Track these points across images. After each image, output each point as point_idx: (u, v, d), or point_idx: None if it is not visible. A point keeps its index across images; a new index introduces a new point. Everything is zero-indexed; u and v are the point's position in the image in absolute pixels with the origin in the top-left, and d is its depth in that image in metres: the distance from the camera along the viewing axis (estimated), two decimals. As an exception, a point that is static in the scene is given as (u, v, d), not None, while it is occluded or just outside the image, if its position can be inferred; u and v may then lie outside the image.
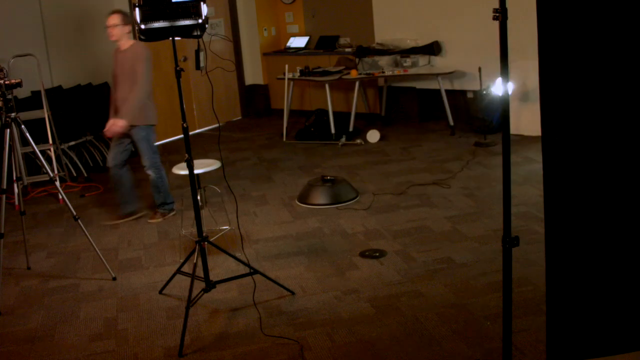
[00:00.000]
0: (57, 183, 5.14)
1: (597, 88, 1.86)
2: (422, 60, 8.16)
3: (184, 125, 3.90)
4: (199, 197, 4.78)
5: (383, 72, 7.98)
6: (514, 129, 7.54)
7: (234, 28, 9.47)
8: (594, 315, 2.11)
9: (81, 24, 7.65)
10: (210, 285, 4.03)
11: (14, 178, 4.83)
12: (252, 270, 4.18)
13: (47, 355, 3.72)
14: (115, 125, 5.30)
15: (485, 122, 7.65)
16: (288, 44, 9.57)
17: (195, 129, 9.02)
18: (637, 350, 2.48)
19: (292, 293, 4.18)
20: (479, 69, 7.37)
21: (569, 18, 1.70)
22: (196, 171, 4.75)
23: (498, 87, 7.26)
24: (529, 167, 6.29)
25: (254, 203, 5.93)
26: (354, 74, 8.02)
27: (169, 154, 8.04)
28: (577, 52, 1.77)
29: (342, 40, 9.13)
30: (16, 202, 4.97)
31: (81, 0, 7.70)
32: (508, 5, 2.18)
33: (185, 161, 3.89)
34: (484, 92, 7.35)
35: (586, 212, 1.92)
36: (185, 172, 4.79)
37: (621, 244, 1.99)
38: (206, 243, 4.03)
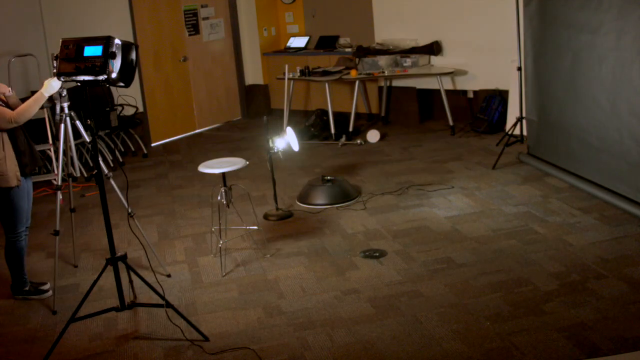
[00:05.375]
0: (71, 189, 5.00)
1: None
2: (422, 60, 8.15)
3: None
4: (222, 197, 4.76)
5: (383, 72, 7.98)
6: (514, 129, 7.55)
7: (234, 28, 9.46)
8: None
9: (81, 24, 7.64)
10: (124, 306, 3.87)
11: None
12: (165, 303, 3.86)
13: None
14: None
15: (486, 122, 7.65)
16: (288, 44, 9.57)
17: (195, 129, 9.02)
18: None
19: (206, 339, 3.81)
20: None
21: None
22: (222, 170, 4.72)
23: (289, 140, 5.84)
24: (529, 167, 6.29)
25: (254, 203, 5.92)
26: (354, 74, 8.01)
27: (169, 154, 8.04)
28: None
29: (342, 40, 9.13)
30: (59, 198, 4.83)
31: (81, 1, 7.70)
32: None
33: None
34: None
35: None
36: (211, 170, 4.77)
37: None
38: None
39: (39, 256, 5.17)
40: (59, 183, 4.43)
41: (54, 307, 4.26)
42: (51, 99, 4.36)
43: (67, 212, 4.94)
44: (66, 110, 4.39)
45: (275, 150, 5.48)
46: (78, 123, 4.49)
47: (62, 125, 4.41)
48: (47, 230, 5.70)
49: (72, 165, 4.66)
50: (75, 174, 4.70)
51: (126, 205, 4.42)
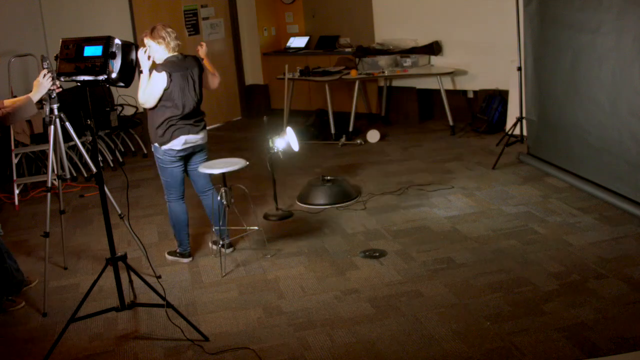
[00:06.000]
0: (60, 190, 4.99)
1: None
2: (422, 60, 8.15)
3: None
4: (222, 197, 4.74)
5: (383, 72, 7.98)
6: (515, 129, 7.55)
7: (234, 28, 9.46)
8: None
9: (81, 24, 7.65)
10: (123, 306, 3.84)
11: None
12: (166, 303, 3.82)
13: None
14: None
15: (486, 122, 7.65)
16: (288, 44, 9.57)
17: (195, 129, 9.01)
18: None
19: (206, 339, 3.80)
20: None
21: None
22: (222, 170, 4.71)
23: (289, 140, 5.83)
24: (529, 167, 6.29)
25: (254, 203, 5.92)
26: (354, 74, 8.01)
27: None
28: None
29: (342, 40, 9.13)
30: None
31: (81, 1, 7.71)
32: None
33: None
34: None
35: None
36: (211, 170, 4.75)
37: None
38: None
39: (39, 256, 5.17)
40: (49, 185, 4.42)
41: (44, 309, 4.24)
42: (40, 101, 4.33)
43: (69, 212, 4.94)
44: (56, 112, 4.36)
45: (275, 150, 5.48)
46: (68, 125, 4.45)
47: (52, 127, 4.37)
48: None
49: (62, 167, 4.63)
50: (65, 176, 4.68)
51: (116, 206, 4.43)
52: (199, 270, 4.70)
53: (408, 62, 8.07)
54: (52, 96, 4.33)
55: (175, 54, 4.55)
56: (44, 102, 4.37)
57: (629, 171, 5.01)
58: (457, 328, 3.66)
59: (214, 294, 4.31)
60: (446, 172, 6.39)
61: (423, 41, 8.19)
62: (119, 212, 4.46)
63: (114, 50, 3.56)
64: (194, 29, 8.89)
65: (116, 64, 3.59)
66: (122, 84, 3.71)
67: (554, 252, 4.49)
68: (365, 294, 4.14)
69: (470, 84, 8.06)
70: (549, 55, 5.89)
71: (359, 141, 7.72)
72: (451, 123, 7.78)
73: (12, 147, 6.54)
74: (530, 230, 4.87)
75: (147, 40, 4.45)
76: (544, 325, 3.60)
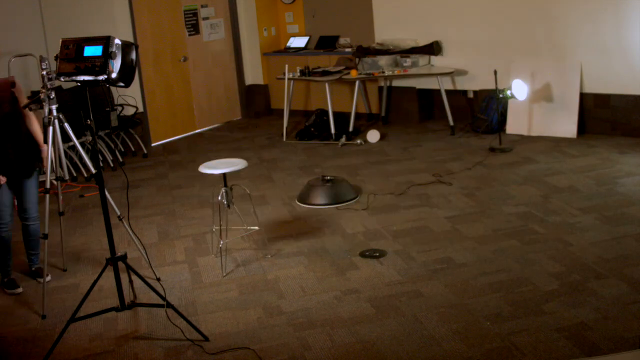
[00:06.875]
0: (60, 191, 5.01)
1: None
2: (422, 60, 8.15)
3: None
4: (223, 197, 4.75)
5: (383, 72, 7.98)
6: (514, 129, 7.55)
7: (234, 28, 9.46)
8: None
9: (81, 24, 7.65)
10: (123, 306, 3.84)
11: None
12: (166, 303, 3.83)
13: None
14: None
15: (486, 122, 7.65)
16: (288, 44, 9.57)
17: (195, 129, 9.02)
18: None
19: (206, 339, 3.80)
20: (495, 72, 7.08)
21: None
22: (223, 170, 4.71)
23: (517, 89, 7.09)
24: (529, 167, 6.29)
25: (254, 203, 5.92)
26: (354, 74, 8.01)
27: (169, 154, 8.04)
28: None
29: (342, 40, 9.13)
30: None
31: (81, 1, 7.70)
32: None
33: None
34: (501, 95, 7.13)
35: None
36: (212, 171, 4.75)
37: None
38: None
39: (38, 256, 5.16)
40: (48, 186, 4.42)
41: (44, 310, 4.24)
42: (39, 101, 4.33)
43: (68, 212, 4.94)
44: (54, 113, 4.36)
45: (510, 95, 6.68)
46: (67, 125, 4.44)
47: (50, 128, 4.36)
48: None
49: (61, 167, 4.62)
50: (64, 177, 4.67)
51: (115, 207, 4.42)
52: (199, 270, 4.71)
53: (408, 62, 8.07)
54: (51, 97, 4.33)
55: None
56: (43, 103, 4.36)
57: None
58: (457, 328, 3.66)
59: (214, 294, 4.32)
60: (446, 172, 6.39)
61: (423, 41, 8.18)
62: (118, 213, 4.45)
63: (113, 50, 3.56)
64: (194, 29, 8.89)
65: (116, 64, 3.60)
66: (122, 84, 3.72)
67: (554, 252, 4.49)
68: (365, 294, 4.14)
69: (470, 84, 8.05)
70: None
71: (359, 141, 7.72)
72: (451, 123, 7.78)
73: (12, 147, 6.53)
74: (530, 230, 4.87)
75: None
76: (544, 325, 3.60)
